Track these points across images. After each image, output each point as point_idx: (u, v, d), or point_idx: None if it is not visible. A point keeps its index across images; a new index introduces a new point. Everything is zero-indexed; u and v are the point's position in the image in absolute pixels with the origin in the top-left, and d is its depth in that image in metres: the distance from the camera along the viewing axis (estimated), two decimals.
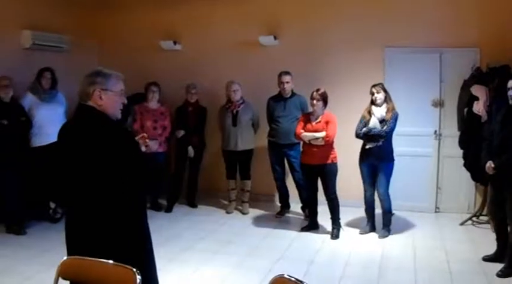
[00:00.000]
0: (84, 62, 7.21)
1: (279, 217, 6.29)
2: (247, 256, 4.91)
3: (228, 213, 6.53)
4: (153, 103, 6.52)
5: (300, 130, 5.44)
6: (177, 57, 7.37)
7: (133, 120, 6.45)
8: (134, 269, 2.21)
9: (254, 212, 6.53)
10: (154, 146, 6.33)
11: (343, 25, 6.49)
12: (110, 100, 2.61)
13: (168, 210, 6.67)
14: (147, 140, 2.88)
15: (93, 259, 2.33)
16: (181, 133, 6.59)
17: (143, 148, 2.84)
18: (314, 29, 6.66)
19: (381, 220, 5.50)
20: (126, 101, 2.74)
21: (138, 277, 2.20)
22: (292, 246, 5.21)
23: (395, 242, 5.27)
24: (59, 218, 5.95)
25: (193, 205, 6.89)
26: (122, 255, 2.49)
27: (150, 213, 6.31)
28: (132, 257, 2.56)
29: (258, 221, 6.16)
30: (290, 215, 6.39)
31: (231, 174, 6.60)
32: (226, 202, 6.77)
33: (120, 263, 2.27)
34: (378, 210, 5.58)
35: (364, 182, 5.50)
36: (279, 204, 6.52)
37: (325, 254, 4.98)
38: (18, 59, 6.11)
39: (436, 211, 6.34)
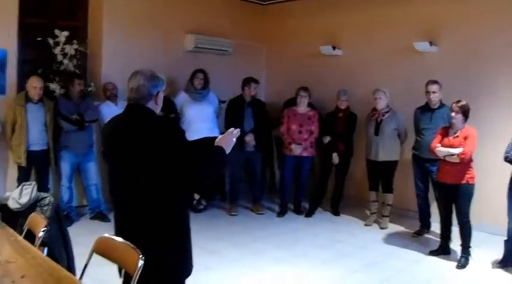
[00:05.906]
0: (250, 64, 7.77)
1: (416, 237, 5.81)
2: (355, 272, 4.68)
3: (366, 225, 6.29)
4: (301, 108, 6.60)
5: (435, 144, 4.97)
6: (335, 63, 7.38)
7: (281, 123, 6.66)
8: (140, 253, 2.40)
9: (393, 227, 6.16)
10: (297, 150, 6.46)
11: (508, 31, 5.70)
12: (161, 100, 2.81)
13: (309, 214, 6.71)
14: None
15: (116, 238, 2.59)
16: (327, 139, 6.57)
17: None
18: (475, 36, 5.97)
19: None
20: None
21: (141, 262, 2.39)
22: (408, 269, 4.79)
23: None
24: (202, 209, 6.56)
25: (336, 212, 6.81)
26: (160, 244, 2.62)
27: (290, 216, 6.62)
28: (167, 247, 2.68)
29: (391, 237, 5.79)
30: (429, 236, 5.84)
31: (372, 185, 6.33)
32: (368, 214, 6.52)
33: (131, 244, 2.47)
34: None
35: (508, 212, 4.75)
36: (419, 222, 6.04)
37: (437, 283, 4.48)
38: (181, 60, 6.88)
39: None
